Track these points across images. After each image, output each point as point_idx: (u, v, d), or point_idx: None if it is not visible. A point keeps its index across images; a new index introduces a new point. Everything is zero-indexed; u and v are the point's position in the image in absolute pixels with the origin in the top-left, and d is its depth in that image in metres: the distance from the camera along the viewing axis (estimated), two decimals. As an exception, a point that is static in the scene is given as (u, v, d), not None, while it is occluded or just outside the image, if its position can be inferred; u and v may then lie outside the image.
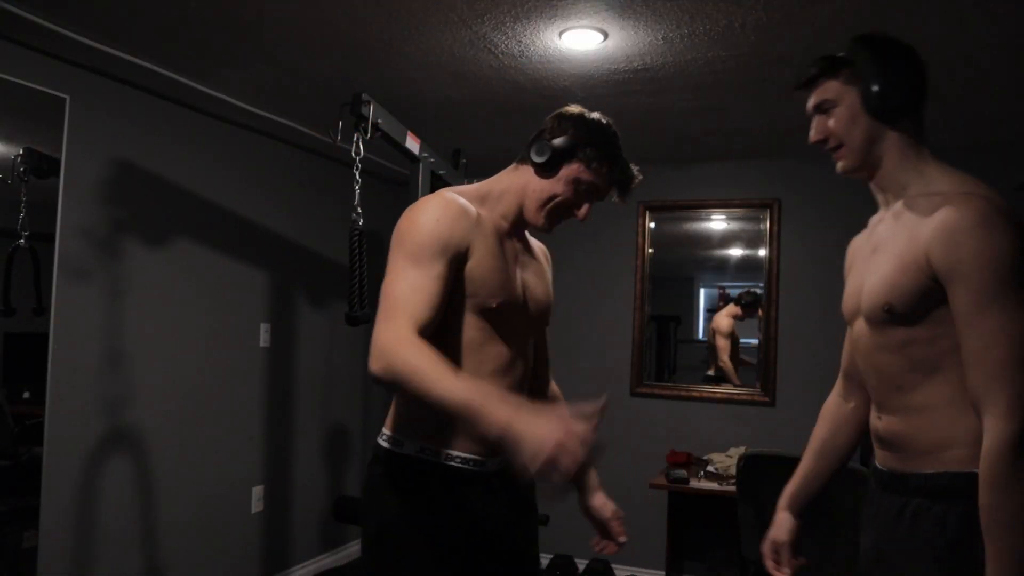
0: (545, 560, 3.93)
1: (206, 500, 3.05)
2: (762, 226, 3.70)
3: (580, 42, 2.29)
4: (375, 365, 1.21)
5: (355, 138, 2.14)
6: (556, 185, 1.42)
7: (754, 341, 3.71)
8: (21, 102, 2.27)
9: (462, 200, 1.39)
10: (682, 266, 3.98)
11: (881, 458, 1.31)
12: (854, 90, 1.29)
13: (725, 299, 3.83)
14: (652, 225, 3.92)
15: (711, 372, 3.88)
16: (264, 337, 3.37)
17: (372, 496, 1.41)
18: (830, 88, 1.32)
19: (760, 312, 3.70)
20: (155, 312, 2.82)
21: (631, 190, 1.48)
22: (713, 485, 3.11)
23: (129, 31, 2.29)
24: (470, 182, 1.58)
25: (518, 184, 1.46)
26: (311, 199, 3.68)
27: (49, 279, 2.35)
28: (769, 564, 1.55)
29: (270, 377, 3.41)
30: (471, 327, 1.37)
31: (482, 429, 1.10)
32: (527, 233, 1.59)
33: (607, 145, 1.43)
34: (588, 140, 1.41)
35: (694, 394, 3.79)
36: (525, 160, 1.45)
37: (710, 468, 3.30)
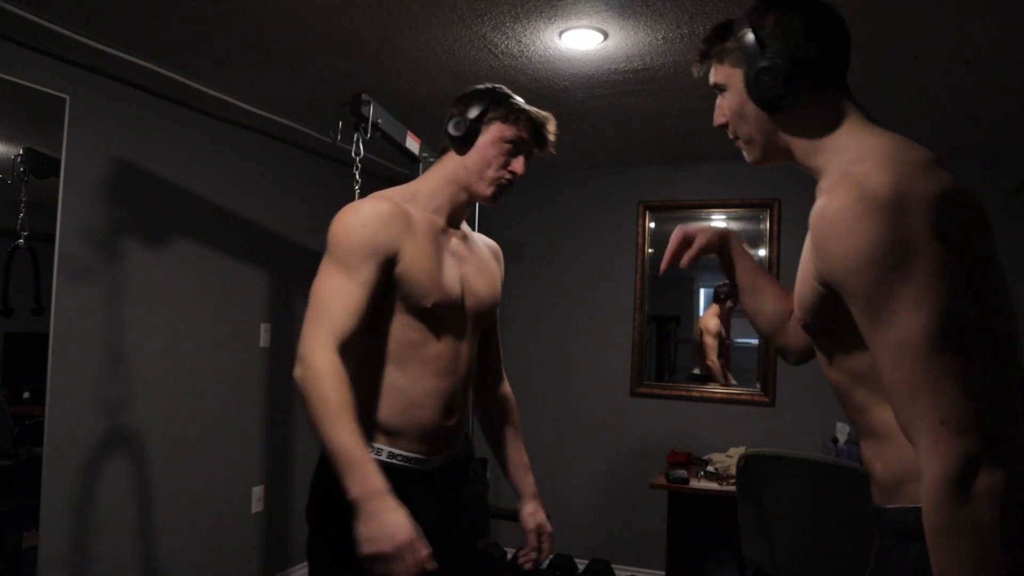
0: (545, 560, 3.94)
1: (206, 500, 3.05)
2: (762, 226, 3.70)
3: (580, 42, 2.29)
4: (297, 371, 1.27)
5: (355, 138, 2.14)
6: (484, 152, 1.46)
7: (754, 341, 3.71)
8: (21, 102, 2.26)
9: (392, 203, 1.39)
10: (682, 266, 3.97)
11: (871, 490, 1.10)
12: (740, 73, 1.06)
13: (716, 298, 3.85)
14: (652, 225, 3.92)
15: (697, 371, 3.89)
16: (264, 337, 3.37)
17: (314, 492, 1.44)
18: (720, 70, 1.10)
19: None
20: (155, 312, 2.81)
21: (547, 134, 1.51)
22: (713, 485, 3.11)
23: (129, 31, 2.29)
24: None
25: (448, 173, 1.49)
26: (311, 199, 3.67)
27: (48, 279, 2.35)
28: (676, 242, 1.30)
29: (270, 377, 3.41)
30: (408, 328, 1.40)
31: (343, 486, 1.20)
32: (471, 230, 1.60)
33: (510, 98, 1.48)
34: (494, 102, 1.47)
35: (694, 394, 3.79)
36: (446, 149, 1.50)
37: (710, 468, 3.30)
